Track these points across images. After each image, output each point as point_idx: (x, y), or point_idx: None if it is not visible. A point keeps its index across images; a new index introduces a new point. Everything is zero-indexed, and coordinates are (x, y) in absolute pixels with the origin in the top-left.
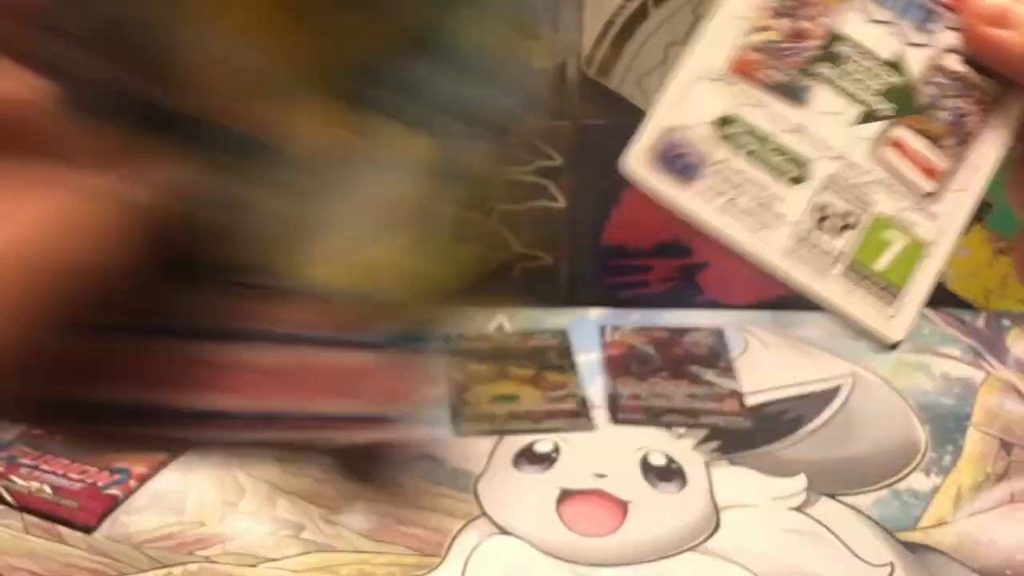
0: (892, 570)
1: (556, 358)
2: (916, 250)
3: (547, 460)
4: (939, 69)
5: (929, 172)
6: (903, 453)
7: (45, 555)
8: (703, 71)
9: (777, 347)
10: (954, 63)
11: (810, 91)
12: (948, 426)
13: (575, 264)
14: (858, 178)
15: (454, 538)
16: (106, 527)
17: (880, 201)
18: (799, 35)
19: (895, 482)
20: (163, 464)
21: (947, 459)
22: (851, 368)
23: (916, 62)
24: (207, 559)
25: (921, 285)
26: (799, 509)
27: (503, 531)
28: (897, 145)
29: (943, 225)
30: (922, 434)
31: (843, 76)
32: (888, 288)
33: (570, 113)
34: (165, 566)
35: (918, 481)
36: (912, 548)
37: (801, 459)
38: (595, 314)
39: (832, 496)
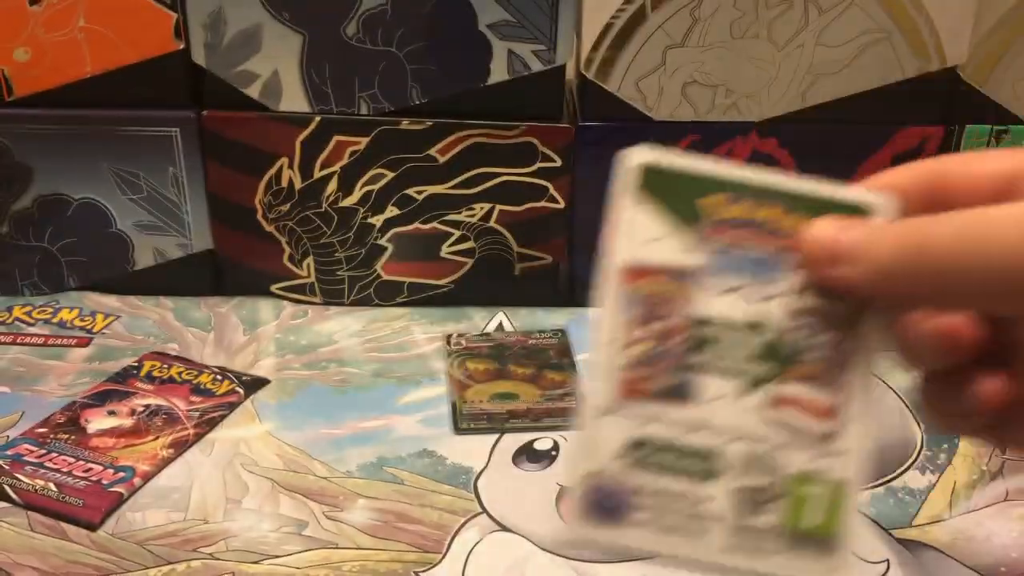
0: (888, 567)
1: (556, 357)
2: (838, 493)
3: (547, 457)
4: (796, 311)
5: (822, 414)
6: (898, 451)
7: (50, 552)
8: (597, 409)
9: None
10: (807, 300)
11: (693, 384)
12: None
13: (575, 264)
14: (763, 448)
15: (455, 535)
16: (110, 524)
17: (790, 461)
18: (665, 336)
19: (890, 480)
20: (167, 462)
21: (942, 457)
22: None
23: (774, 314)
24: (211, 556)
25: (851, 521)
26: None
27: (503, 528)
28: (785, 401)
29: (852, 458)
30: (917, 432)
31: (716, 357)
32: (825, 541)
33: (569, 115)
34: (169, 563)
35: (913, 479)
36: (907, 545)
37: None
38: (595, 313)
39: None
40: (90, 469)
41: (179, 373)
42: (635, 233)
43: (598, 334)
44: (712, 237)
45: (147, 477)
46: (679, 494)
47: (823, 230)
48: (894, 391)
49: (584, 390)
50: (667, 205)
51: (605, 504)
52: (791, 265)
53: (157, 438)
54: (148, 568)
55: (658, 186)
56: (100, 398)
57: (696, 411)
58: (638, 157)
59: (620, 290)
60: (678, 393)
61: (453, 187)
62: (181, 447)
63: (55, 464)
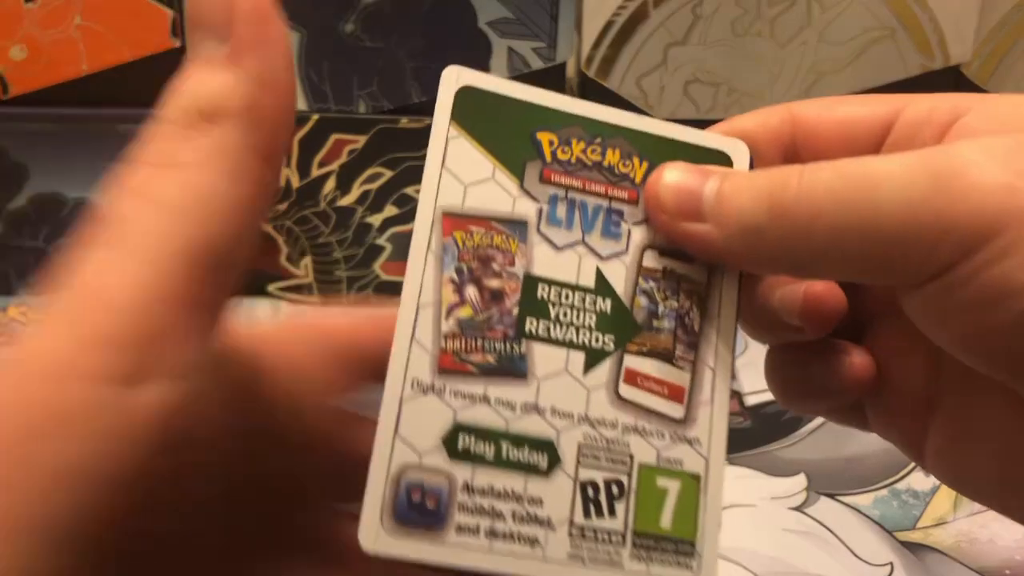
0: (891, 570)
1: None
2: (692, 489)
3: None
4: (643, 272)
5: (673, 394)
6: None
7: None
8: (408, 387)
9: None
10: (655, 259)
11: (526, 358)
12: None
13: None
14: (609, 434)
15: None
16: None
17: (639, 450)
18: (493, 299)
19: (894, 482)
20: None
21: None
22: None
23: (617, 276)
24: None
25: (711, 523)
26: (799, 509)
27: None
28: (632, 378)
29: (706, 448)
30: None
31: (553, 325)
32: (681, 545)
33: None
34: None
35: (917, 481)
36: (911, 548)
37: (801, 459)
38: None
39: (832, 496)
40: None
41: None
42: (456, 173)
43: (410, 295)
44: (548, 181)
45: None
46: (511, 494)
47: (675, 177)
48: None
49: (391, 364)
50: (494, 140)
51: (420, 507)
52: (638, 216)
53: None
54: None
55: (483, 117)
56: None
57: (530, 391)
58: (457, 78)
59: (438, 242)
60: (508, 368)
61: None
62: None
63: None
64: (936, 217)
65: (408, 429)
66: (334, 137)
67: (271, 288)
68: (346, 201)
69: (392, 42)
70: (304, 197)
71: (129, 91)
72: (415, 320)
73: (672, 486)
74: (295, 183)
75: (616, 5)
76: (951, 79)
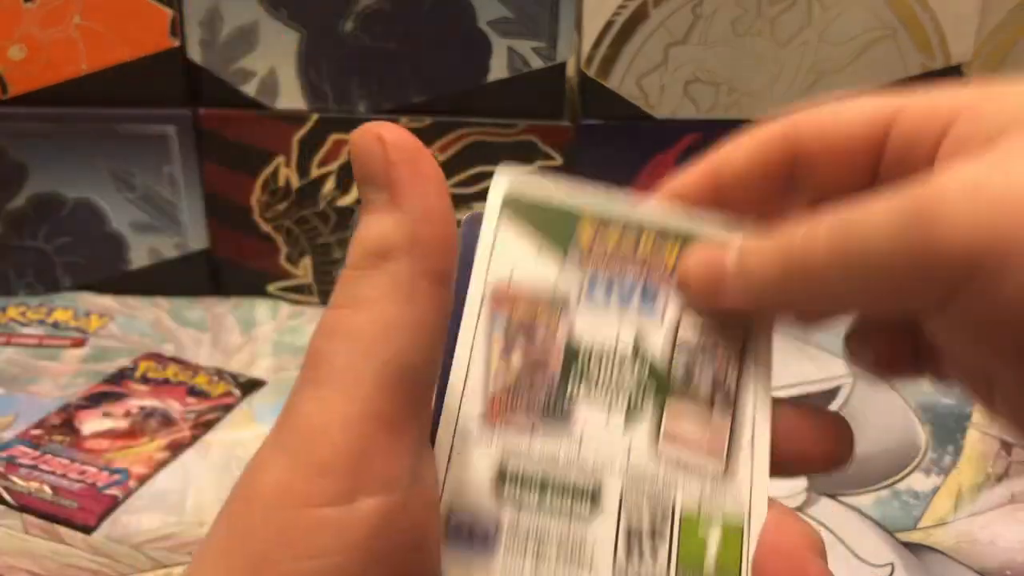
0: (892, 570)
1: None
2: (736, 535)
3: None
4: (678, 335)
5: (712, 447)
6: (903, 453)
7: (44, 555)
8: (459, 441)
9: (777, 347)
10: (688, 327)
11: (571, 414)
12: (948, 426)
13: None
14: (651, 485)
15: None
16: (105, 527)
17: (681, 499)
18: (538, 364)
19: (895, 482)
20: (162, 465)
21: (947, 459)
22: (852, 368)
23: (655, 341)
24: None
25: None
26: (799, 509)
27: None
28: (672, 433)
29: (747, 498)
30: (922, 434)
31: (595, 386)
32: None
33: (570, 113)
34: (165, 566)
35: (918, 481)
36: (912, 548)
37: None
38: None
39: (832, 496)
40: (85, 471)
41: (175, 374)
42: (505, 254)
43: (461, 361)
44: (586, 261)
45: (142, 479)
46: (556, 536)
47: (700, 258)
48: (898, 393)
49: (442, 423)
50: (539, 229)
51: (470, 535)
52: (669, 291)
53: (152, 440)
54: (144, 572)
55: (529, 210)
56: (95, 400)
57: (573, 443)
58: (507, 178)
59: (487, 314)
60: (554, 425)
61: (452, 186)
62: (177, 449)
63: (50, 466)
64: (919, 264)
65: (461, 474)
66: (333, 137)
67: (271, 288)
68: (346, 201)
69: (392, 42)
70: (303, 197)
71: (129, 91)
72: (464, 380)
73: (714, 532)
74: (294, 183)
75: (616, 5)
76: (952, 79)
